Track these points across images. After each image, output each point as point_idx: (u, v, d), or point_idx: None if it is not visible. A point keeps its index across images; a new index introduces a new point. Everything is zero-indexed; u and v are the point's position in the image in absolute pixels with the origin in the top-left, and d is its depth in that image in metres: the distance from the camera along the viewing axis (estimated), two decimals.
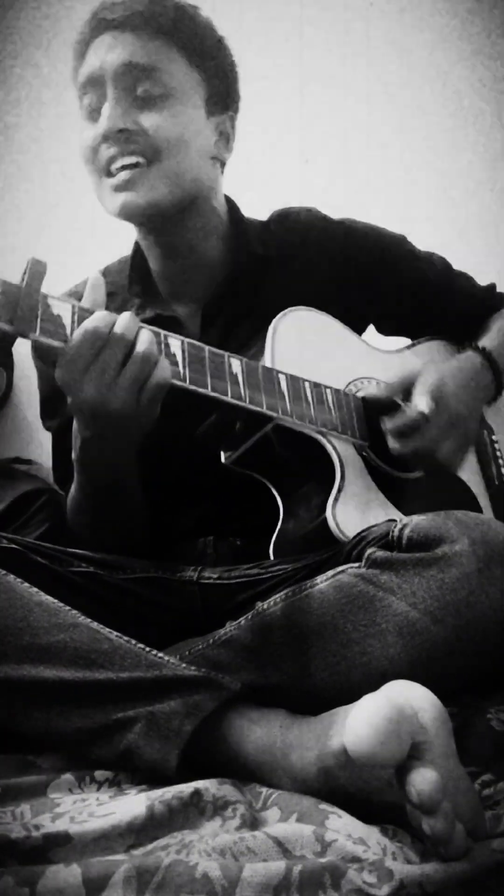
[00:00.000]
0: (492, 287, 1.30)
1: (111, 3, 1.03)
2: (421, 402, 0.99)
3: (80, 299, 0.87)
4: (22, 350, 1.84)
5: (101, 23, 1.02)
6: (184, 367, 0.89)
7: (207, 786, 0.67)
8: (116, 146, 1.01)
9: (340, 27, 1.96)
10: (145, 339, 0.84)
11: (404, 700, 0.62)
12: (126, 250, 1.22)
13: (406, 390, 1.06)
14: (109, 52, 1.02)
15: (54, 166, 2.11)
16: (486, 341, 1.17)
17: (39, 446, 1.94)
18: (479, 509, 1.12)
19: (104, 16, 1.02)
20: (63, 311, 0.82)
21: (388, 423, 1.00)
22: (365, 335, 1.20)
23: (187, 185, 1.05)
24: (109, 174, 1.03)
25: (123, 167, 1.01)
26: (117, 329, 0.83)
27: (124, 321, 0.84)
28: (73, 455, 0.96)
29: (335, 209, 1.24)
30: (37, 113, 2.12)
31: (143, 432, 0.91)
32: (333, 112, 1.93)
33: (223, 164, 1.14)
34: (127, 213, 1.04)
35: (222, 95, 1.11)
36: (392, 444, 0.99)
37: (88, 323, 0.82)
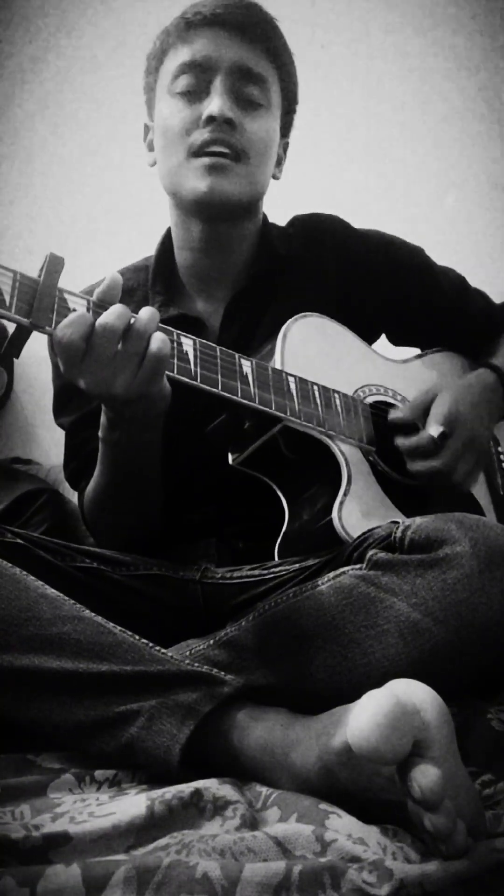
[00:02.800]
0: None
1: (225, 3, 1.07)
2: (435, 426, 1.00)
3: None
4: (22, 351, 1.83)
5: (215, 17, 1.06)
6: (195, 365, 0.90)
7: (207, 786, 0.67)
8: (216, 133, 1.04)
9: (341, 27, 1.96)
10: (142, 317, 0.84)
11: (407, 697, 0.62)
12: (133, 251, 1.23)
13: (426, 409, 1.06)
14: (226, 48, 1.06)
15: (55, 166, 2.11)
16: (499, 359, 1.17)
17: (39, 446, 1.94)
18: (482, 515, 1.12)
19: (218, 12, 1.06)
20: (79, 305, 0.83)
21: (404, 443, 1.01)
22: (376, 345, 1.20)
23: (257, 190, 1.12)
24: (198, 155, 1.05)
25: (217, 153, 1.04)
26: (106, 319, 0.81)
27: (114, 312, 0.82)
28: (101, 434, 0.97)
29: (335, 209, 1.24)
30: (37, 112, 2.12)
31: (158, 410, 0.91)
32: (333, 112, 1.93)
33: None
34: (212, 195, 1.05)
35: (288, 121, 1.19)
36: (409, 464, 1.01)
37: (69, 320, 0.80)
